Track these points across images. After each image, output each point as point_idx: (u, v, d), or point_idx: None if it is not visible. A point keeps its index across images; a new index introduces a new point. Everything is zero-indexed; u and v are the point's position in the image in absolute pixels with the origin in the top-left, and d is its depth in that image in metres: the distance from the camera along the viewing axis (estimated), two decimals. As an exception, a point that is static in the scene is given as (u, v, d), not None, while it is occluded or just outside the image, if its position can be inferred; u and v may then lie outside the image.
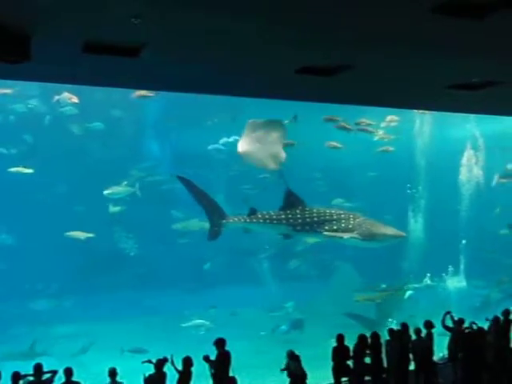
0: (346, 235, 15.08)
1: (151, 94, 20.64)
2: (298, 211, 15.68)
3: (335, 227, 15.33)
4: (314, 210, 15.72)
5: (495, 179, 20.49)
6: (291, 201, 15.78)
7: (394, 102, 12.11)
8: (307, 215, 15.62)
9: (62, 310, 23.04)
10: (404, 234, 16.20)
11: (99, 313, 22.31)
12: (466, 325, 10.37)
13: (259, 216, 15.88)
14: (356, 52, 7.42)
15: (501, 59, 7.85)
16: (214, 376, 8.80)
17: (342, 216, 15.52)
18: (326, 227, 15.33)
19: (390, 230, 15.64)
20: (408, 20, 6.13)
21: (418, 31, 6.52)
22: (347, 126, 20.31)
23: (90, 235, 21.89)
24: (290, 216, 15.65)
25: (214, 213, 16.26)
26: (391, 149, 23.59)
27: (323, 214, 15.61)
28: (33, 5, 5.48)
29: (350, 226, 15.23)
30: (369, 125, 21.14)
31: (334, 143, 22.13)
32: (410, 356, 9.87)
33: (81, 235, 21.86)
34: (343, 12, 5.84)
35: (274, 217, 15.85)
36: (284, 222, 15.71)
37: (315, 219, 15.52)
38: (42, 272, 23.82)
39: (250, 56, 7.56)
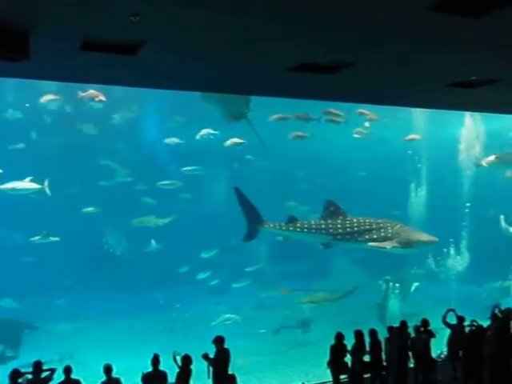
0: (386, 245, 15.56)
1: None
2: (338, 221, 16.04)
3: (375, 236, 15.76)
4: (355, 220, 16.10)
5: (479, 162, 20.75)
6: (332, 210, 16.21)
7: (394, 99, 12.10)
8: (348, 225, 15.97)
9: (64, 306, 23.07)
10: (437, 239, 16.60)
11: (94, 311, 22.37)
12: (466, 322, 10.41)
13: (299, 224, 16.20)
14: (355, 50, 7.41)
15: (500, 57, 7.85)
16: (214, 374, 8.81)
17: (381, 225, 15.97)
18: (367, 236, 15.77)
19: (424, 237, 16.20)
20: (408, 18, 6.12)
21: (417, 29, 6.52)
22: (309, 116, 20.52)
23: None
24: (330, 225, 15.98)
25: (252, 217, 16.65)
26: (418, 137, 23.73)
27: (363, 224, 15.99)
28: (31, 3, 5.46)
29: (389, 235, 15.68)
30: (337, 115, 20.98)
31: (300, 133, 22.22)
32: (410, 354, 9.90)
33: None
34: (343, 9, 5.82)
35: (314, 226, 16.18)
36: (324, 231, 16.03)
37: (355, 229, 15.92)
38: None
39: (249, 53, 7.55)
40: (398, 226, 16.06)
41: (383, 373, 9.78)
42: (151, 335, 19.99)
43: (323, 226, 16.05)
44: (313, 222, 16.32)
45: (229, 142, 21.84)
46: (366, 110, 21.83)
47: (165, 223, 24.11)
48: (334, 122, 21.01)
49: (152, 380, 8.38)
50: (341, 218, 16.11)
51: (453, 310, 10.50)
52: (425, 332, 10.17)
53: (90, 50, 6.84)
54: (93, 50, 6.85)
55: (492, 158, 20.23)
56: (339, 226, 15.97)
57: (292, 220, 16.22)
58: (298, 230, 16.15)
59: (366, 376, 9.70)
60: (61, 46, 6.79)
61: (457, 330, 10.50)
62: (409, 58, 7.91)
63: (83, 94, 20.38)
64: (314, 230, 16.08)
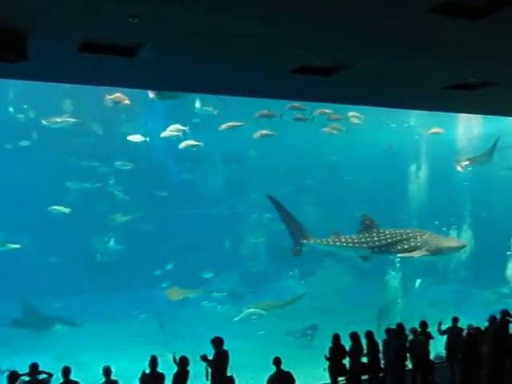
0: (416, 254, 16.14)
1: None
2: (374, 234, 16.68)
3: (406, 246, 16.37)
4: (387, 232, 16.78)
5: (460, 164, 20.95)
6: (367, 224, 16.87)
7: (391, 102, 12.13)
8: (382, 237, 16.63)
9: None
10: (466, 243, 17.39)
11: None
12: (459, 323, 10.46)
13: (342, 239, 16.78)
14: (353, 52, 7.43)
15: (497, 60, 7.87)
16: (212, 375, 8.79)
17: (411, 235, 16.56)
18: (399, 247, 16.38)
19: (453, 243, 16.98)
20: (405, 20, 6.14)
21: (415, 32, 6.54)
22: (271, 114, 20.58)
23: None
24: (368, 239, 16.64)
25: (297, 232, 17.21)
26: (441, 131, 23.75)
27: (395, 235, 16.62)
28: (30, 4, 5.47)
29: (419, 244, 16.29)
30: (303, 112, 20.96)
31: (265, 131, 22.24)
32: (407, 355, 9.91)
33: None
34: (341, 12, 5.84)
35: (356, 240, 16.77)
36: (364, 245, 16.68)
37: (389, 240, 16.57)
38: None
39: (247, 55, 7.56)
40: (427, 234, 16.65)
41: (381, 374, 9.79)
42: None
43: (362, 240, 16.71)
44: (354, 237, 16.91)
45: (183, 144, 21.77)
46: (327, 109, 21.55)
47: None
48: (301, 120, 21.08)
49: (149, 381, 8.38)
50: (375, 230, 16.76)
51: (441, 323, 10.57)
52: (423, 334, 10.19)
53: (89, 52, 6.85)
54: (91, 52, 6.86)
55: (466, 162, 20.47)
56: (375, 238, 16.62)
57: (336, 235, 16.91)
58: (344, 244, 16.80)
59: (363, 377, 9.70)
60: (59, 47, 6.80)
61: (453, 331, 10.54)
62: (406, 61, 7.93)
63: (110, 97, 20.15)
64: (357, 244, 16.73)
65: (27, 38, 6.22)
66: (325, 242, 17.07)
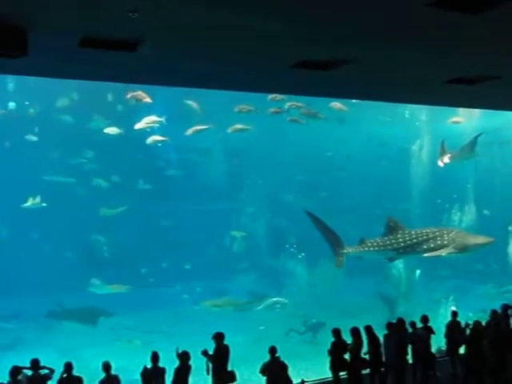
0: (443, 252, 16.25)
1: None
2: (399, 235, 16.86)
3: (432, 245, 16.48)
4: (413, 232, 16.92)
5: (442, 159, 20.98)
6: (392, 226, 17.08)
7: (393, 96, 12.10)
8: (407, 238, 16.76)
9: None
10: (493, 240, 17.12)
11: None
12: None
13: (369, 244, 17.09)
14: (354, 46, 7.40)
15: (499, 54, 7.84)
16: (213, 370, 8.82)
17: (437, 233, 16.65)
18: (425, 247, 16.51)
19: (480, 239, 16.81)
20: (407, 14, 6.11)
21: (416, 25, 6.51)
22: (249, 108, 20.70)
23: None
24: (393, 241, 16.85)
25: (336, 243, 17.48)
26: (462, 120, 23.76)
27: (420, 235, 16.75)
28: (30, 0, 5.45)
29: (445, 242, 16.37)
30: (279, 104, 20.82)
31: (240, 126, 22.28)
32: (408, 350, 9.93)
33: None
34: (342, 6, 5.81)
35: (381, 243, 17.03)
36: (390, 247, 16.89)
37: (414, 240, 16.68)
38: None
39: (248, 50, 7.53)
40: (453, 232, 16.80)
41: (382, 369, 9.81)
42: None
43: (388, 242, 16.93)
44: (379, 240, 17.19)
45: (150, 139, 21.73)
46: (299, 102, 21.25)
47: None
48: (277, 113, 20.96)
49: (151, 376, 8.41)
50: (400, 232, 16.92)
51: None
52: (425, 329, 10.20)
53: (89, 47, 6.82)
54: (91, 47, 6.82)
55: (446, 157, 20.49)
56: (401, 240, 16.79)
57: (363, 241, 17.20)
58: (371, 249, 17.04)
59: (364, 372, 9.72)
60: (59, 42, 6.77)
61: (452, 325, 10.58)
62: (408, 55, 7.90)
63: (132, 95, 20.18)
64: (382, 248, 16.97)
65: (27, 34, 6.19)
66: (356, 250, 17.36)
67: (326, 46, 7.35)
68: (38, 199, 22.61)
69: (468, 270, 23.44)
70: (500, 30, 6.65)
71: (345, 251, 17.29)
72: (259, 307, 20.04)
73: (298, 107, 20.88)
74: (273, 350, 8.79)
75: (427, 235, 16.60)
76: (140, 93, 19.95)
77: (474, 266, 23.83)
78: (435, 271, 23.02)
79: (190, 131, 22.27)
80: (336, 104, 22.17)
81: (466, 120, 24.12)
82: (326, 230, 17.67)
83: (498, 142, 28.43)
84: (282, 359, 8.79)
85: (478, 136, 19.80)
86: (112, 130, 22.38)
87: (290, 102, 20.70)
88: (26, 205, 22.55)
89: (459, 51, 7.70)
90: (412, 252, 16.77)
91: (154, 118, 20.77)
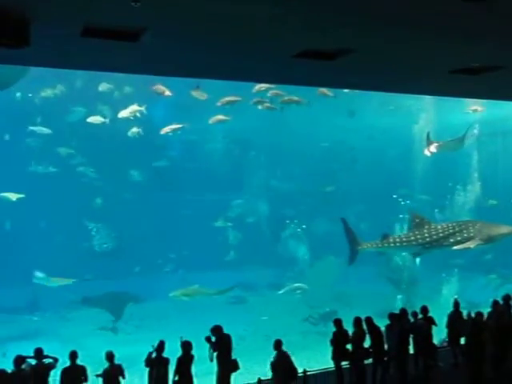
0: (472, 244, 16.53)
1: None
2: (425, 230, 17.04)
3: (459, 238, 16.72)
4: (439, 227, 17.18)
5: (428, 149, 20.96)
6: (417, 222, 17.28)
7: (396, 87, 12.04)
8: (433, 232, 16.96)
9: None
10: None
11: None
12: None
13: (391, 240, 17.36)
14: (358, 36, 7.34)
15: (503, 43, 7.77)
16: (217, 358, 8.90)
17: (463, 226, 16.93)
18: (452, 240, 16.75)
19: (505, 229, 17.09)
20: (409, 3, 6.05)
21: (419, 14, 6.44)
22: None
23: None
24: (418, 236, 17.02)
25: (352, 241, 17.82)
26: (481, 108, 23.76)
27: (446, 229, 16.99)
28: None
29: (472, 234, 16.64)
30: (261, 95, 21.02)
31: (221, 117, 22.31)
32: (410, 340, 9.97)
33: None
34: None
35: (405, 239, 17.25)
36: (414, 242, 17.07)
37: (441, 235, 16.89)
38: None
39: (251, 40, 7.48)
40: (478, 224, 17.03)
41: (384, 359, 9.85)
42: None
43: (412, 238, 17.07)
44: (403, 236, 17.43)
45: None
46: (279, 90, 21.08)
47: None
48: (259, 103, 21.14)
49: (154, 365, 8.48)
50: (426, 227, 17.10)
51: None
52: (425, 319, 10.23)
53: (91, 37, 6.79)
54: (93, 37, 6.79)
55: (433, 147, 20.48)
56: (426, 235, 16.95)
57: (386, 237, 17.43)
58: (393, 245, 17.30)
59: (367, 362, 9.77)
60: (61, 32, 6.74)
61: (453, 315, 10.61)
62: (411, 45, 7.85)
63: (153, 88, 20.32)
64: (405, 243, 17.17)
65: (29, 24, 6.15)
66: (375, 246, 17.59)
67: (328, 35, 7.29)
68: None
69: (475, 261, 23.49)
70: (503, 18, 6.59)
71: (360, 247, 17.58)
72: (280, 292, 20.29)
73: (278, 95, 20.86)
74: (278, 345, 8.76)
75: (453, 228, 16.88)
76: (160, 86, 20.13)
77: (483, 257, 23.86)
78: (443, 261, 23.11)
79: (165, 130, 22.35)
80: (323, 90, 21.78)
81: (485, 109, 24.10)
82: (349, 232, 17.95)
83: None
84: (285, 351, 8.76)
85: (469, 129, 19.89)
86: (95, 119, 22.59)
87: (272, 91, 20.76)
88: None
89: (463, 41, 7.63)
90: (439, 246, 17.01)
91: (135, 107, 21.10)
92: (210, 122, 22.57)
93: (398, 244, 17.17)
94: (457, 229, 16.83)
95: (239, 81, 11.62)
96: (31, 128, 24.00)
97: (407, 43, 7.79)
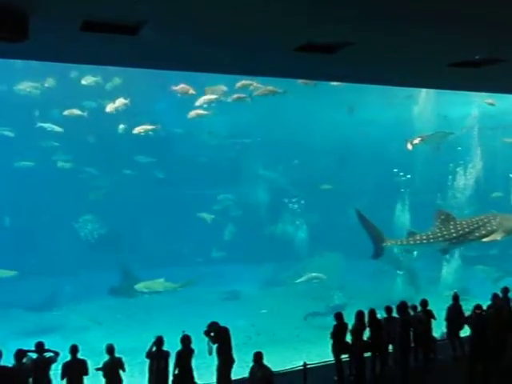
0: (498, 237, 16.88)
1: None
2: (450, 226, 17.27)
3: (484, 232, 17.06)
4: (464, 222, 17.41)
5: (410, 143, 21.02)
6: (443, 218, 17.49)
7: (396, 80, 12.00)
8: (459, 228, 17.21)
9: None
10: None
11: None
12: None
13: (417, 238, 17.50)
14: (359, 28, 7.31)
15: (503, 36, 7.74)
16: (218, 351, 8.95)
17: (485, 220, 17.22)
18: (477, 234, 17.05)
19: None
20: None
21: (418, 6, 6.41)
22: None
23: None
24: (445, 232, 17.23)
25: (377, 238, 18.00)
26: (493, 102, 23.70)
27: (471, 223, 17.28)
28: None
29: (494, 227, 17.01)
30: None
31: (200, 111, 22.38)
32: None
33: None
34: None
35: (431, 236, 17.40)
36: (441, 239, 17.31)
37: (466, 229, 17.16)
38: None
39: (251, 34, 7.45)
40: (498, 217, 17.36)
41: (384, 352, 9.89)
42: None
43: (439, 235, 17.26)
44: (430, 233, 17.48)
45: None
46: (255, 82, 21.23)
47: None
48: (240, 99, 21.18)
49: (155, 359, 8.52)
50: (452, 223, 17.30)
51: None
52: (424, 312, 10.26)
53: (90, 31, 6.75)
54: (93, 31, 6.76)
55: (416, 140, 20.56)
56: (452, 230, 17.16)
57: (412, 234, 17.62)
58: (419, 242, 17.41)
59: (366, 355, 9.81)
60: (61, 26, 6.71)
61: (453, 308, 10.63)
62: (410, 38, 7.81)
63: (176, 88, 20.44)
64: (432, 240, 17.31)
65: (28, 17, 6.13)
66: (400, 243, 17.80)
67: (328, 29, 7.27)
68: None
69: (480, 254, 23.60)
70: (504, 10, 6.56)
71: (385, 244, 17.73)
72: (298, 281, 20.47)
73: (255, 87, 20.91)
74: (258, 357, 8.11)
75: (477, 223, 17.13)
76: (184, 86, 20.26)
77: (488, 251, 23.95)
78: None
79: (137, 129, 22.52)
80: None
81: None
82: (369, 226, 18.10)
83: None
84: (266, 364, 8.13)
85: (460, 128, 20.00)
86: (72, 112, 22.69)
87: (241, 82, 20.81)
88: None
89: (463, 33, 7.60)
90: (465, 241, 17.27)
91: (122, 100, 21.45)
92: (189, 116, 22.59)
93: (424, 241, 17.30)
94: (480, 223, 17.09)
95: (239, 74, 11.61)
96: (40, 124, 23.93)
97: (407, 36, 7.75)
